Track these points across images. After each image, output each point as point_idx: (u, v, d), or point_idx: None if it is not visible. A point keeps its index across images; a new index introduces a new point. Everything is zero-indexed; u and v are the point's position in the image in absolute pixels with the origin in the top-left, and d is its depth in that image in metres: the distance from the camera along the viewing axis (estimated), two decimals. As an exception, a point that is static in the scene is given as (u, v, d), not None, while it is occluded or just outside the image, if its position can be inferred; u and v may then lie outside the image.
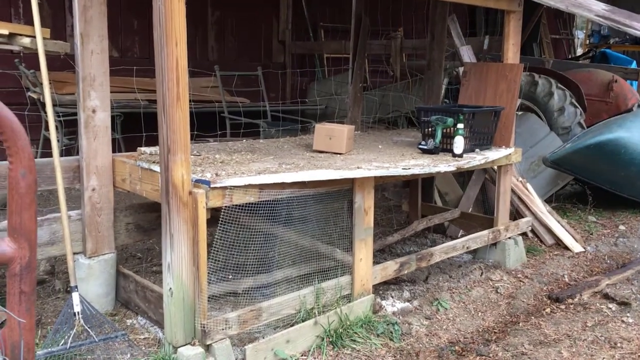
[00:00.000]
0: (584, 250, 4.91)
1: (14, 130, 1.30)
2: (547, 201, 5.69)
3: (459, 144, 3.76)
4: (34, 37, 2.93)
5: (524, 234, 4.82)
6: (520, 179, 5.33)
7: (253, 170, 3.05)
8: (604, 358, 3.19)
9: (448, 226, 5.16)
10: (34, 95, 5.93)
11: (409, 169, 3.33)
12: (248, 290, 3.42)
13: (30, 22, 2.91)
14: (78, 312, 2.80)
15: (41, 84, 5.69)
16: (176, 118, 2.65)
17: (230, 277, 3.35)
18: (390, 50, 7.01)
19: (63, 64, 5.37)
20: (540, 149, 5.90)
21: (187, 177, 2.72)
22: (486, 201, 5.59)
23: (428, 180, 5.12)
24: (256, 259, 3.31)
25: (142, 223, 3.65)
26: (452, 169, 3.59)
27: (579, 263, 4.68)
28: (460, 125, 3.77)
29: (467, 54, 5.68)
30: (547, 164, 5.58)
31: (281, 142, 4.13)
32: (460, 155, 3.77)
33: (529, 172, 5.86)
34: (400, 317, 3.59)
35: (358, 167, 3.24)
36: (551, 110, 6.16)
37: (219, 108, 6.55)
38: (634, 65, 10.26)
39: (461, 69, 5.72)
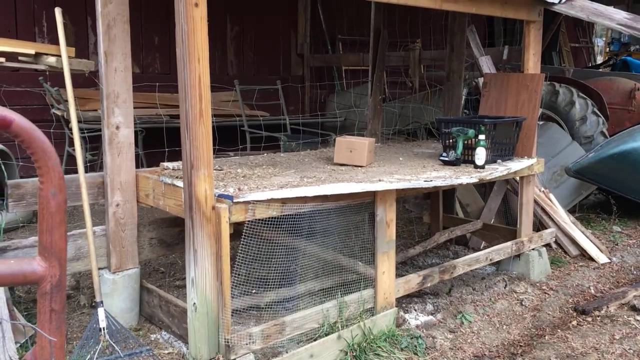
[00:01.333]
0: (609, 261, 4.83)
1: (45, 150, 1.32)
2: (571, 211, 5.62)
3: (480, 155, 3.73)
4: (59, 56, 2.98)
5: (547, 245, 4.77)
6: (542, 189, 5.28)
7: (275, 184, 3.06)
8: (633, 372, 3.14)
9: (470, 238, 5.12)
10: (58, 112, 6.03)
11: (431, 181, 3.31)
12: (270, 304, 3.42)
13: (54, 40, 2.98)
14: (104, 328, 2.83)
15: (65, 101, 5.80)
16: (199, 134, 2.68)
17: (254, 291, 3.35)
18: (409, 62, 7.01)
19: (86, 81, 5.46)
20: (562, 159, 5.85)
21: (210, 192, 2.74)
22: (508, 212, 5.54)
23: (449, 192, 5.09)
24: (278, 272, 3.31)
25: (165, 238, 3.68)
26: (474, 180, 3.57)
27: (605, 274, 4.60)
28: (482, 137, 3.75)
29: (486, 64, 5.66)
30: (570, 174, 5.52)
31: (302, 155, 4.14)
32: (482, 167, 3.75)
33: (551, 182, 5.80)
34: (424, 331, 3.56)
35: (380, 180, 3.24)
36: (573, 120, 6.10)
37: (239, 122, 6.60)
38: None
39: (480, 80, 5.71)
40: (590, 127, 6.03)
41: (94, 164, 6.17)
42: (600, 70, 10.07)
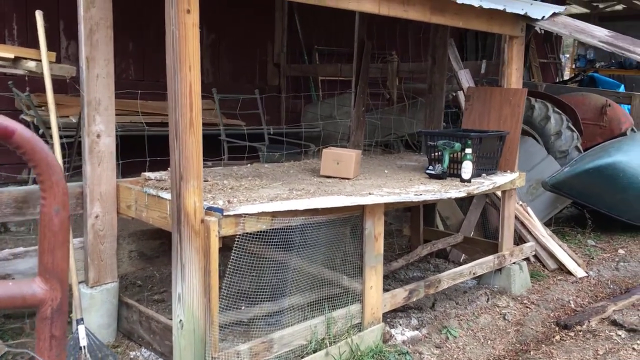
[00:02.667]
0: (586, 275, 4.88)
1: (49, 164, 1.22)
2: (546, 224, 5.66)
3: (467, 169, 3.72)
4: (39, 60, 2.85)
5: (526, 259, 4.79)
6: (520, 202, 5.31)
7: (264, 196, 2.98)
8: (619, 388, 3.14)
9: (450, 250, 5.11)
10: (27, 118, 5.83)
11: (421, 195, 3.28)
12: (254, 319, 3.33)
13: (24, 43, 2.85)
14: (84, 347, 2.69)
15: (36, 106, 5.60)
16: (189, 144, 2.58)
17: (238, 306, 3.25)
18: (387, 74, 7.02)
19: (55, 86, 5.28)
20: (537, 173, 5.90)
21: (200, 205, 2.65)
22: (486, 225, 5.56)
23: (430, 205, 5.08)
24: (263, 286, 3.22)
25: (145, 251, 3.56)
26: (463, 194, 3.55)
27: (583, 288, 4.64)
28: (469, 150, 3.74)
29: (465, 77, 5.70)
30: (547, 188, 5.57)
31: (286, 166, 4.07)
32: (469, 181, 3.74)
33: (527, 196, 5.85)
34: (411, 346, 3.51)
35: (370, 193, 3.19)
36: (548, 134, 6.18)
37: (216, 131, 6.49)
38: (622, 89, 10.40)
39: (460, 93, 5.73)
40: (565, 142, 6.12)
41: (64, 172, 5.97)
42: (568, 85, 10.28)
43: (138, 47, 7.22)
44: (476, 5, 3.55)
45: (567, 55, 16.20)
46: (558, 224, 6.10)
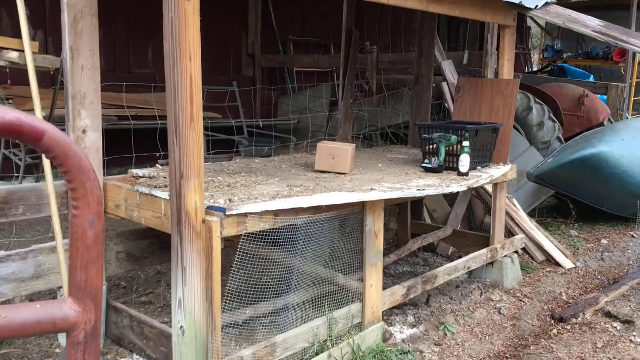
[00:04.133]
0: (574, 266, 4.89)
1: (82, 170, 1.07)
2: (529, 216, 5.66)
3: (465, 162, 3.65)
4: (22, 51, 2.64)
5: (516, 252, 4.76)
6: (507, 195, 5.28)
7: (265, 194, 2.84)
8: (623, 381, 3.13)
9: (438, 244, 5.06)
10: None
11: (423, 190, 3.19)
12: (256, 321, 3.20)
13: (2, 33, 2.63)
14: (78, 357, 2.51)
15: (7, 99, 5.31)
16: (190, 140, 2.42)
17: (246, 311, 3.12)
18: (366, 65, 6.91)
19: (24, 78, 5.01)
20: (520, 164, 5.88)
21: (201, 205, 2.50)
22: (472, 217, 5.53)
23: (418, 198, 5.01)
24: (263, 287, 3.09)
25: (133, 252, 3.38)
26: (464, 188, 3.48)
27: (573, 280, 4.65)
28: (466, 143, 3.67)
29: (449, 68, 5.64)
30: (532, 179, 5.57)
31: (277, 161, 3.93)
32: (466, 174, 3.67)
33: (510, 187, 5.84)
34: (411, 345, 3.43)
35: (371, 189, 3.08)
36: (530, 125, 6.18)
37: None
38: (591, 79, 10.55)
39: (444, 84, 5.67)
40: (547, 133, 6.13)
41: (32, 166, 5.69)
42: (541, 76, 10.36)
43: (108, 37, 6.93)
44: (474, -6, 3.47)
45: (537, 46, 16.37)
46: (541, 215, 6.11)
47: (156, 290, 3.93)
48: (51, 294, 3.24)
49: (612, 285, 4.50)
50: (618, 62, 11.61)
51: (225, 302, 2.71)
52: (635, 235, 5.73)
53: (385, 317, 3.67)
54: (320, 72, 8.29)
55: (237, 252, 2.62)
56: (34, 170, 5.77)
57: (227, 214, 2.52)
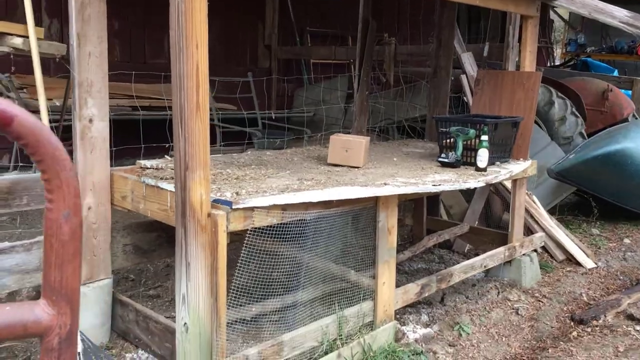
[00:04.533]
0: (596, 266, 4.73)
1: (57, 159, 0.98)
2: (549, 213, 5.51)
3: (483, 157, 3.52)
4: (27, 37, 2.57)
5: (534, 250, 4.62)
6: (527, 191, 5.13)
7: (274, 187, 2.75)
8: (646, 388, 2.99)
9: (454, 241, 4.93)
10: (8, 101, 5.48)
11: (439, 185, 3.07)
12: (261, 317, 3.11)
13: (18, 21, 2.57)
14: (79, 353, 2.44)
15: (17, 88, 5.27)
16: (196, 130, 2.33)
17: (252, 308, 3.03)
18: (383, 57, 6.77)
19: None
20: (540, 159, 5.70)
21: (206, 197, 2.41)
22: (489, 214, 5.39)
23: (433, 193, 4.88)
24: (270, 283, 3.00)
25: (140, 244, 3.31)
26: (482, 184, 3.35)
27: (594, 280, 4.49)
28: (485, 137, 3.53)
29: (468, 61, 5.49)
30: (552, 175, 5.41)
31: (289, 154, 3.83)
32: (484, 169, 3.53)
33: (529, 183, 5.68)
34: (424, 345, 3.32)
35: (385, 184, 2.97)
36: (552, 120, 6.01)
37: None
38: (615, 73, 10.28)
39: (463, 77, 5.52)
40: (569, 128, 5.95)
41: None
42: (564, 70, 10.13)
43: (124, 27, 6.88)
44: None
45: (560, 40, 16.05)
46: (561, 212, 5.94)
47: (165, 283, 3.87)
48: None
49: (634, 286, 4.34)
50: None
51: (231, 298, 2.62)
52: (659, 235, 5.54)
53: (397, 316, 3.56)
54: (337, 64, 8.17)
55: (243, 247, 2.53)
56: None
57: (233, 207, 2.43)
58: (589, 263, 4.70)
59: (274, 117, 6.37)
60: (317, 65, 8.34)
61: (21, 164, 5.12)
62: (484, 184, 3.37)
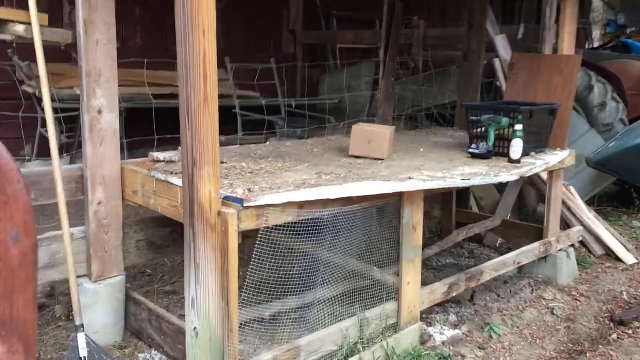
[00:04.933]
0: (638, 261, 4.45)
1: (1, 170, 0.81)
2: (588, 204, 5.22)
3: (517, 147, 3.29)
4: (29, 24, 2.43)
5: (572, 245, 4.36)
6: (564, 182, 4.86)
7: (290, 183, 2.58)
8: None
9: (485, 234, 4.70)
10: (29, 90, 5.42)
11: (469, 179, 2.86)
12: (275, 317, 2.97)
13: (17, 6, 2.44)
14: (84, 357, 2.33)
15: (37, 77, 5.18)
16: (204, 124, 2.17)
17: (266, 313, 2.88)
18: (412, 40, 6.50)
19: (57, 54, 4.84)
20: (579, 148, 5.39)
21: (216, 195, 2.25)
22: (523, 206, 5.14)
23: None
24: (286, 284, 2.84)
25: (154, 240, 3.19)
26: (515, 178, 3.13)
27: (636, 277, 4.22)
28: (519, 127, 3.30)
29: (502, 44, 5.20)
30: (591, 165, 5.10)
31: (309, 144, 3.66)
32: (518, 161, 3.30)
33: (566, 173, 5.39)
34: (452, 348, 3.13)
35: (410, 178, 2.77)
36: (591, 106, 5.68)
37: (229, 104, 6.04)
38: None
39: (496, 61, 5.24)
40: (609, 114, 5.62)
41: (69, 145, 5.58)
42: (604, 52, 9.67)
43: (145, 14, 6.75)
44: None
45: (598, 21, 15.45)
46: (600, 204, 5.64)
47: (182, 279, 3.73)
48: (66, 284, 3.07)
49: (680, 284, 4.07)
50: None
51: (245, 297, 2.47)
52: None
53: (424, 316, 3.37)
54: (363, 49, 7.92)
55: (257, 244, 2.37)
56: (70, 149, 5.67)
57: (244, 205, 2.27)
58: (630, 259, 4.43)
59: (295, 106, 6.17)
60: (343, 50, 8.09)
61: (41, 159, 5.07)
62: (517, 178, 3.15)
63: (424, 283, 3.20)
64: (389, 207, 2.91)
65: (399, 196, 2.86)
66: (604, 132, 5.53)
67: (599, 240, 4.53)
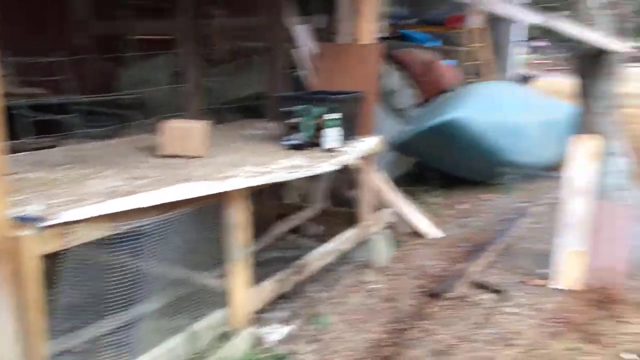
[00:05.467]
0: (441, 235, 4.81)
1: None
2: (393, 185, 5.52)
3: (330, 137, 3.30)
4: None
5: (386, 226, 4.56)
6: (371, 166, 5.07)
7: (99, 192, 2.25)
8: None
9: (306, 224, 4.71)
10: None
11: (295, 171, 2.78)
12: (91, 343, 2.62)
13: None
14: None
15: None
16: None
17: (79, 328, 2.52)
18: (211, 31, 6.29)
19: None
20: (380, 133, 5.72)
21: (5, 216, 1.86)
22: (336, 193, 5.26)
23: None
24: (96, 302, 2.51)
25: None
26: (336, 167, 3.13)
27: (441, 250, 4.55)
28: (331, 116, 3.31)
29: (304, 34, 5.24)
30: (393, 149, 5.40)
31: (115, 145, 3.29)
32: (332, 150, 3.31)
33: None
34: (286, 346, 3.06)
35: (233, 176, 2.61)
36: (386, 92, 6.00)
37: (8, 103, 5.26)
38: (438, 43, 10.73)
39: (299, 51, 5.27)
40: (403, 99, 6.00)
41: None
42: (390, 42, 10.34)
43: None
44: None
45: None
46: (404, 184, 5.99)
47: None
48: None
49: (477, 252, 4.46)
50: (452, 28, 11.99)
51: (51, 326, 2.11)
52: (491, 199, 5.83)
53: (257, 316, 3.25)
54: (165, 40, 7.48)
55: (62, 266, 2.03)
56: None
57: (43, 225, 1.91)
58: (434, 232, 4.77)
59: (92, 102, 5.62)
60: (142, 42, 7.56)
61: None
62: (339, 166, 3.15)
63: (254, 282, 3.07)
64: (213, 207, 2.71)
65: (223, 196, 2.68)
66: (399, 117, 5.89)
67: (406, 218, 4.80)
